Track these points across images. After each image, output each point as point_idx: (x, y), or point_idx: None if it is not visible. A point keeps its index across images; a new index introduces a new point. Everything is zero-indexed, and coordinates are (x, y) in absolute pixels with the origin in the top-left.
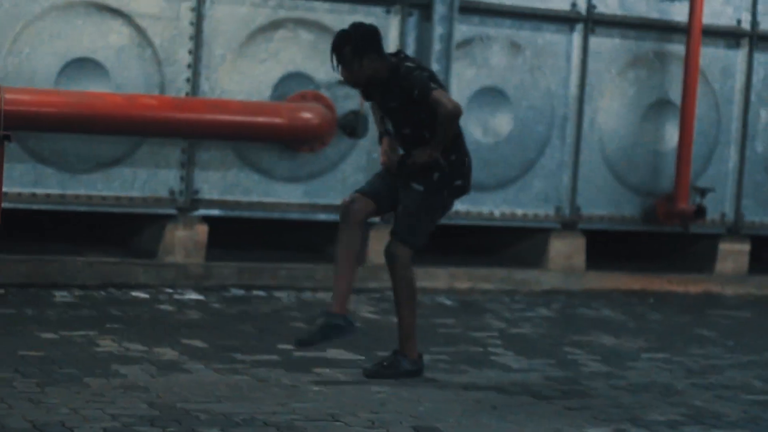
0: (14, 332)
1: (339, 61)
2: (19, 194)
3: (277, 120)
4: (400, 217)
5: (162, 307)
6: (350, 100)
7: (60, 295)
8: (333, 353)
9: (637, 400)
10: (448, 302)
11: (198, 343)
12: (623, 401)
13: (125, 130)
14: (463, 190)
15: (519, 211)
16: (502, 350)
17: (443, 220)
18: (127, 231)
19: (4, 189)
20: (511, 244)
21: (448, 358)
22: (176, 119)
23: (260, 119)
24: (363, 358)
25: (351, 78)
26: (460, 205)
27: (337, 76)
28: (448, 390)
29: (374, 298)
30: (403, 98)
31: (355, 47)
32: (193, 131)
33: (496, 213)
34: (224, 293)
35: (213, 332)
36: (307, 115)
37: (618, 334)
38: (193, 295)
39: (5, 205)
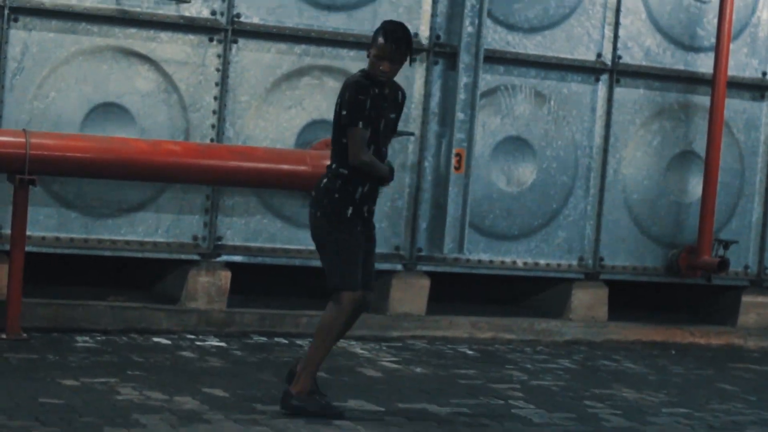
0: (36, 378)
1: (396, 55)
2: (43, 238)
3: (302, 167)
4: (371, 264)
5: (183, 353)
6: None
7: (82, 341)
8: (353, 404)
9: None
10: (469, 352)
11: (219, 392)
12: None
13: (149, 176)
14: None
15: (542, 261)
16: (524, 403)
17: (466, 269)
18: (150, 276)
19: (28, 233)
20: (534, 293)
21: (469, 411)
22: (200, 166)
23: (284, 167)
24: (383, 409)
25: (392, 75)
26: (483, 254)
27: None
28: None
29: (395, 347)
30: (398, 113)
31: (410, 46)
32: (217, 178)
33: (519, 263)
34: (246, 340)
35: (234, 381)
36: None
37: (639, 387)
38: (215, 342)
39: (29, 248)
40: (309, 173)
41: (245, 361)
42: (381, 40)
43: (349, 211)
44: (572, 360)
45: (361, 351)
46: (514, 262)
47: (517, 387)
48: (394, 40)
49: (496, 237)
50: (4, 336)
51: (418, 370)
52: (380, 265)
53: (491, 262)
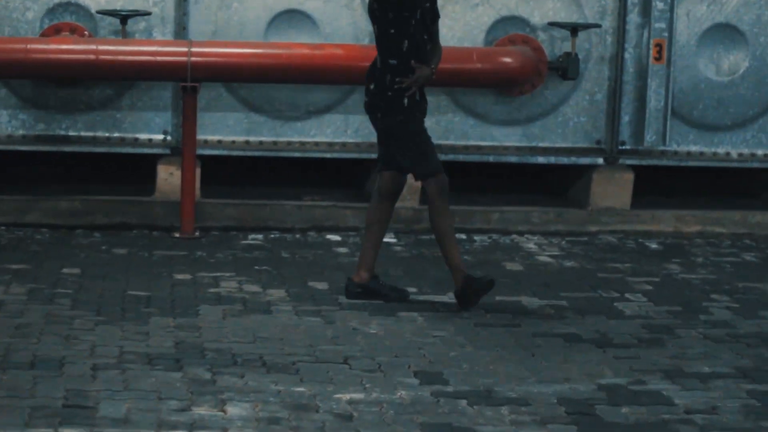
0: (153, 273)
1: None
2: (233, 142)
3: (473, 65)
4: None
5: (339, 249)
6: (567, 42)
7: (252, 238)
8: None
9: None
10: (653, 246)
11: (321, 285)
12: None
13: (309, 79)
14: None
15: (759, 152)
16: (638, 296)
17: (674, 162)
18: (353, 175)
19: (219, 137)
20: (747, 185)
21: (566, 305)
22: (360, 68)
23: (451, 66)
24: None
25: None
26: (692, 146)
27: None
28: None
29: (579, 242)
30: (436, 12)
31: None
32: None
33: (733, 154)
34: (421, 237)
35: (349, 275)
36: (505, 59)
37: None
38: (387, 239)
39: (220, 152)
40: (479, 70)
41: (397, 257)
42: None
43: (405, 101)
44: (761, 252)
45: (533, 246)
46: (728, 154)
47: (655, 281)
48: None
49: (706, 128)
50: (177, 235)
51: (568, 263)
52: (579, 160)
53: (702, 153)
